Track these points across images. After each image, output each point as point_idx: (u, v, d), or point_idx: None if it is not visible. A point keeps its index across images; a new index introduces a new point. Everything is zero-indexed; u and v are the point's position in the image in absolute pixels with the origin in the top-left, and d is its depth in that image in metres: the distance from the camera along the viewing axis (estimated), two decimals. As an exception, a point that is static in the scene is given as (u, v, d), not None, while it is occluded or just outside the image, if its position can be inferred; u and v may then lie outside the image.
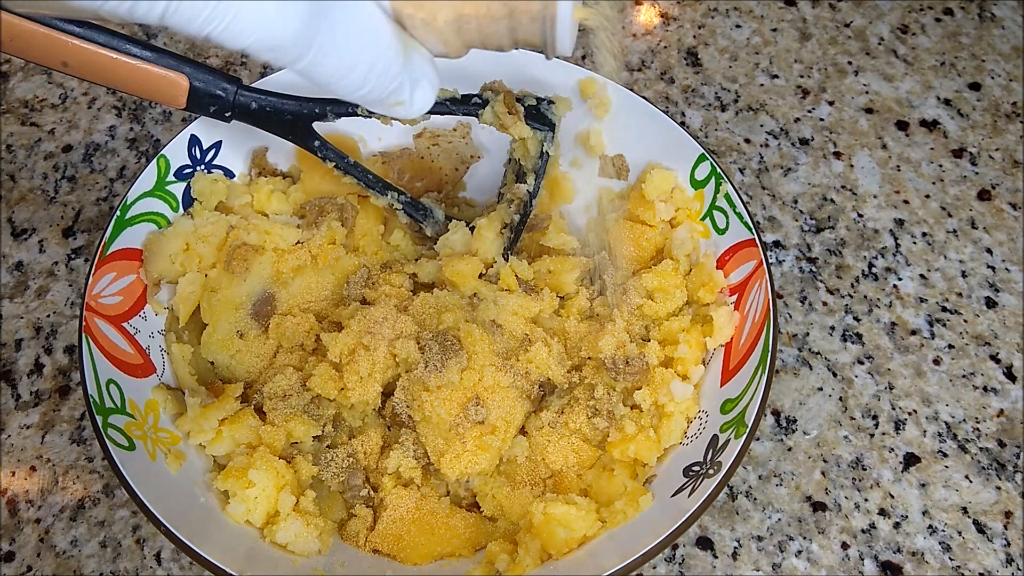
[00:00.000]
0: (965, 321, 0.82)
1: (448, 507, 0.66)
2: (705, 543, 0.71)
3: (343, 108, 0.68)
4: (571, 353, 0.70)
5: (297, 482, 0.65)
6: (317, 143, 0.70)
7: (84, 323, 0.63)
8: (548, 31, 0.39)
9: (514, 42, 0.41)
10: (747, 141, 0.93)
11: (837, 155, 0.93)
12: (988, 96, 0.97)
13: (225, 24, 0.30)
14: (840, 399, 0.78)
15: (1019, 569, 0.70)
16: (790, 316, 0.82)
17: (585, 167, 0.79)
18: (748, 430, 0.59)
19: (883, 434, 0.76)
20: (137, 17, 0.30)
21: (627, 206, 0.76)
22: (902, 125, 0.95)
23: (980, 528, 0.72)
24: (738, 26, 1.02)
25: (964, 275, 0.85)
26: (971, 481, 0.74)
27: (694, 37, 1.02)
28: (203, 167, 0.74)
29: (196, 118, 0.73)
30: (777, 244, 0.86)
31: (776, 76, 0.98)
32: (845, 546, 0.71)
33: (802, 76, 0.99)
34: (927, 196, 0.90)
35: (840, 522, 0.72)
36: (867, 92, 0.97)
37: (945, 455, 0.75)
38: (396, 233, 0.78)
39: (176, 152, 0.72)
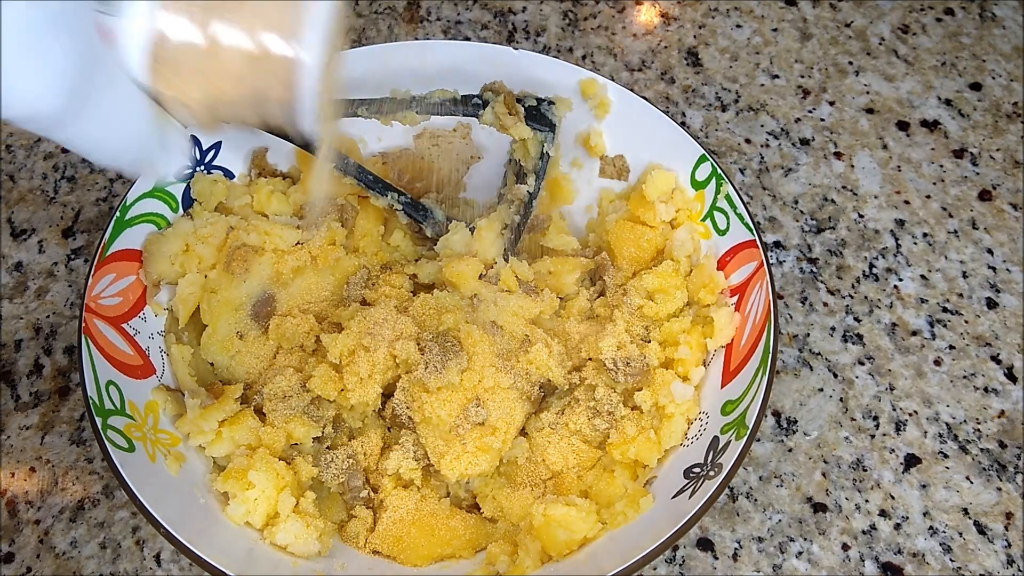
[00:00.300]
0: (966, 322, 0.82)
1: (448, 508, 0.66)
2: (706, 544, 0.71)
3: (343, 108, 0.68)
4: (571, 354, 0.70)
5: (297, 483, 0.64)
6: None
7: (84, 324, 0.63)
8: (293, 117, 0.43)
9: (264, 124, 0.44)
10: (748, 141, 0.93)
11: (838, 155, 0.93)
12: (989, 96, 0.97)
13: None
14: (841, 400, 0.78)
15: (1020, 570, 0.70)
16: (791, 317, 0.82)
17: (585, 168, 0.79)
18: (749, 431, 0.59)
19: (884, 435, 0.76)
20: None
21: (627, 207, 0.76)
22: (903, 125, 0.95)
23: (981, 529, 0.71)
24: (739, 26, 1.02)
25: (965, 276, 0.84)
26: (972, 482, 0.74)
27: (694, 37, 1.01)
28: (203, 167, 0.74)
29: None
30: (778, 245, 0.86)
31: (777, 76, 0.98)
32: (846, 547, 0.71)
33: (803, 76, 0.98)
34: (928, 196, 0.90)
35: (841, 523, 0.72)
36: (868, 92, 0.97)
37: (946, 456, 0.75)
38: (396, 234, 0.78)
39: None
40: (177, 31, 0.38)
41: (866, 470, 0.74)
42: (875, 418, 0.77)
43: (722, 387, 0.65)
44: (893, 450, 0.75)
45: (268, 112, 0.42)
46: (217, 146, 0.75)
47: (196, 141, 0.73)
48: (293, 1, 0.40)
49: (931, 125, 0.95)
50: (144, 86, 0.40)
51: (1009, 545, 0.71)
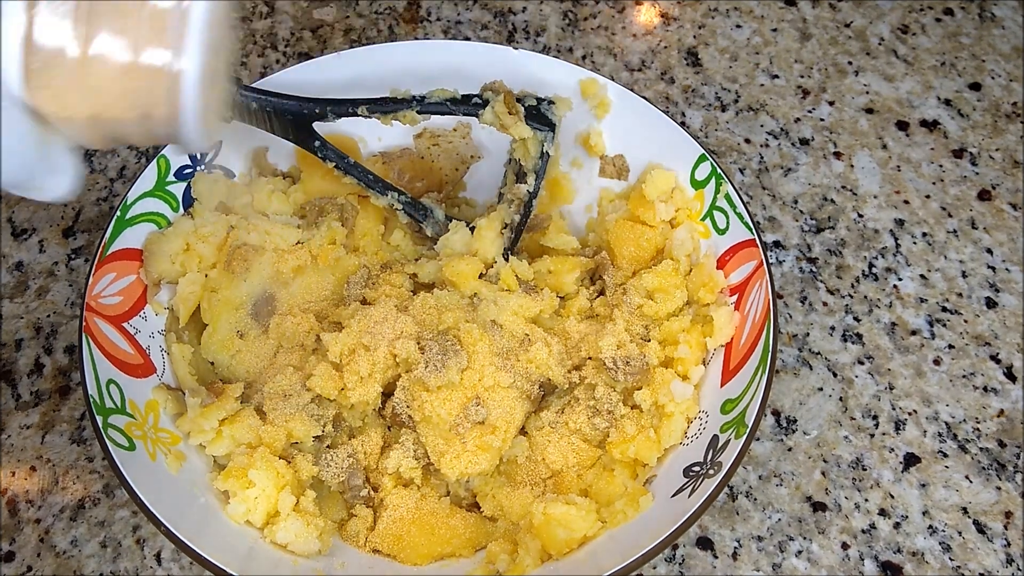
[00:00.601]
0: (965, 321, 0.82)
1: (448, 507, 0.66)
2: (705, 543, 0.71)
3: (343, 108, 0.68)
4: (571, 353, 0.70)
5: (297, 482, 0.65)
6: (317, 143, 0.70)
7: (84, 323, 0.63)
8: (179, 131, 0.42)
9: (151, 139, 0.43)
10: (747, 141, 0.93)
11: (837, 155, 0.93)
12: (988, 96, 0.97)
13: None
14: (840, 399, 0.78)
15: (1019, 569, 0.70)
16: (790, 316, 0.82)
17: (585, 167, 0.79)
18: (748, 430, 0.59)
19: (883, 434, 0.76)
20: None
21: (627, 206, 0.76)
22: (902, 125, 0.95)
23: (980, 528, 0.72)
24: (738, 26, 1.02)
25: (964, 275, 0.85)
26: (971, 481, 0.74)
27: (694, 37, 1.02)
28: (203, 167, 0.74)
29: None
30: (777, 244, 0.86)
31: (776, 76, 0.98)
32: (845, 546, 0.71)
33: (802, 76, 0.99)
34: (927, 196, 0.90)
35: (840, 522, 0.72)
36: (867, 92, 0.97)
37: (945, 455, 0.75)
38: (396, 233, 0.78)
39: (176, 152, 0.72)
40: (50, 37, 0.37)
41: (865, 469, 0.74)
42: (875, 417, 0.77)
43: (722, 386, 0.65)
44: (892, 449, 0.75)
45: (153, 127, 0.41)
46: (217, 146, 0.75)
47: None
48: (167, 10, 0.38)
49: (931, 125, 0.95)
50: (21, 101, 0.38)
51: (1008, 544, 0.71)
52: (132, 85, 0.39)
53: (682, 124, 0.76)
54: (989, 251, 0.86)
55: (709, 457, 0.61)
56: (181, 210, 0.73)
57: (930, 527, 0.72)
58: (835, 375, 0.79)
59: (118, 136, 0.42)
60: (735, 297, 0.68)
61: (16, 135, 0.39)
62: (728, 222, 0.70)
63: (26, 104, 0.39)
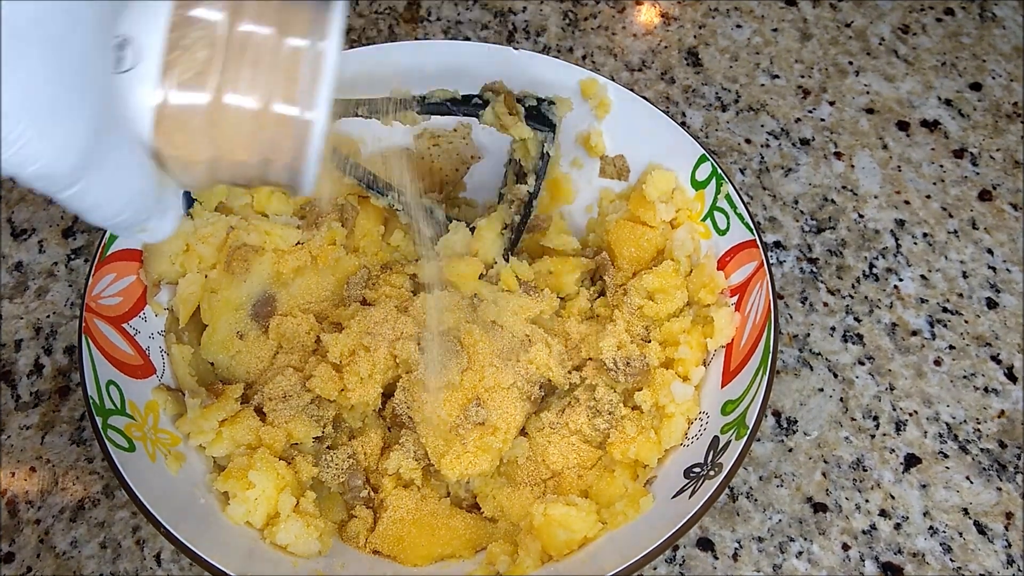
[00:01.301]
0: (966, 322, 0.82)
1: (448, 508, 0.66)
2: (706, 544, 0.71)
3: (343, 108, 0.68)
4: (572, 354, 0.70)
5: (297, 483, 0.64)
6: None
7: (84, 324, 0.63)
8: (296, 178, 0.41)
9: (262, 183, 0.43)
10: (748, 141, 0.93)
11: (838, 155, 0.93)
12: (989, 96, 0.97)
13: (14, 150, 0.32)
14: (841, 400, 0.78)
15: (1020, 570, 0.70)
16: (791, 317, 0.82)
17: (585, 168, 0.79)
18: (749, 431, 0.59)
19: (884, 435, 0.76)
20: None
21: (628, 207, 0.76)
22: (903, 125, 0.95)
23: (981, 529, 0.71)
24: (739, 26, 1.02)
25: (965, 276, 0.85)
26: (972, 482, 0.74)
27: (695, 37, 1.01)
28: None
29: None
30: (778, 245, 0.86)
31: (777, 76, 0.98)
32: (846, 547, 0.71)
33: (803, 76, 0.98)
34: (928, 196, 0.90)
35: (841, 523, 0.72)
36: (868, 92, 0.97)
37: (946, 456, 0.75)
38: (396, 234, 0.78)
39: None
40: (184, 95, 0.37)
41: (866, 470, 0.74)
42: (875, 418, 0.77)
43: (722, 387, 0.65)
44: (893, 450, 0.75)
45: (271, 172, 0.41)
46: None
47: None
48: (300, 56, 0.38)
49: (931, 125, 0.95)
50: (148, 145, 0.39)
51: (1009, 545, 0.71)
52: (260, 132, 0.39)
53: (682, 124, 0.76)
54: (990, 251, 0.86)
55: (710, 458, 0.61)
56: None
57: (931, 528, 0.72)
58: (836, 376, 0.79)
59: (229, 178, 0.42)
60: (736, 298, 0.68)
61: (144, 179, 0.39)
62: (729, 223, 0.70)
63: (151, 149, 0.39)
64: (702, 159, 0.72)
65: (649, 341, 0.69)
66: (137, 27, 0.36)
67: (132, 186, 0.38)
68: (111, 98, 0.36)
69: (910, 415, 0.77)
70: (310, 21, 0.39)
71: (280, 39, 0.38)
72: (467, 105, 0.69)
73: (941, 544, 0.71)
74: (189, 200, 0.73)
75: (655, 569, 0.70)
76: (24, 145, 0.32)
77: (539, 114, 0.69)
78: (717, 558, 0.70)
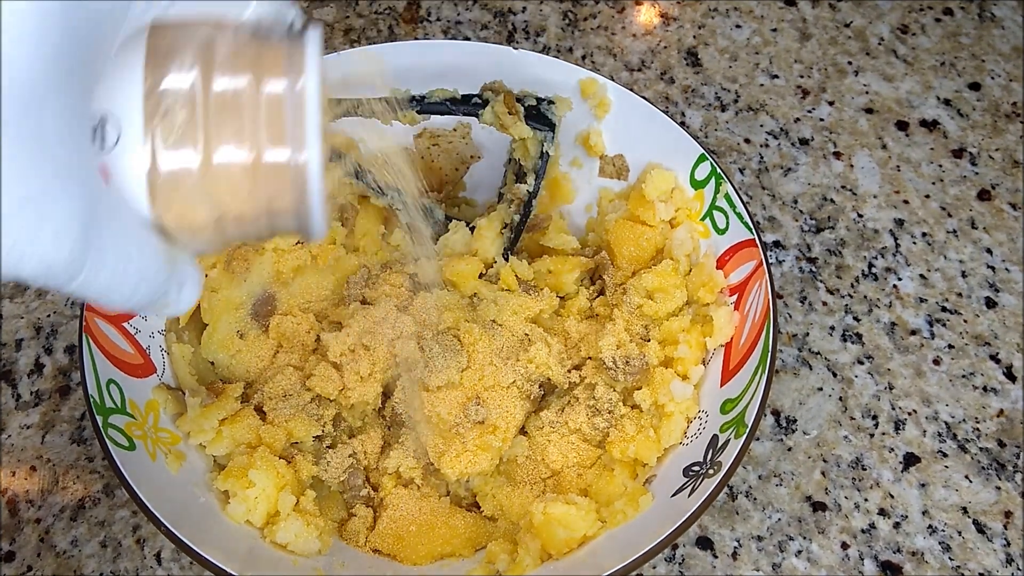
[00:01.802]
0: (965, 321, 0.82)
1: (448, 507, 0.66)
2: (705, 543, 0.71)
3: (343, 108, 0.68)
4: (571, 353, 0.70)
5: (297, 482, 0.65)
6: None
7: (84, 323, 0.63)
8: (305, 223, 0.40)
9: (273, 233, 0.42)
10: (747, 141, 0.93)
11: (837, 155, 0.93)
12: (988, 96, 0.97)
13: (6, 255, 0.31)
14: (840, 399, 0.78)
15: (1019, 569, 0.70)
16: (790, 316, 0.82)
17: (585, 167, 0.79)
18: (748, 430, 0.59)
19: (883, 434, 0.76)
20: None
21: (627, 206, 0.76)
22: (902, 125, 0.95)
23: (980, 528, 0.72)
24: (738, 26, 1.02)
25: (964, 275, 0.85)
26: (971, 481, 0.74)
27: (694, 37, 1.02)
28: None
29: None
30: (777, 244, 0.86)
31: (776, 76, 0.98)
32: (845, 546, 0.71)
33: (802, 76, 0.99)
34: (927, 196, 0.90)
35: (840, 522, 0.72)
36: (867, 92, 0.97)
37: (945, 455, 0.75)
38: (396, 233, 0.78)
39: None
40: (172, 158, 0.36)
41: (865, 469, 0.74)
42: (874, 417, 0.77)
43: (721, 386, 0.65)
44: (892, 449, 0.75)
45: (279, 222, 0.40)
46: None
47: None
48: (281, 98, 0.37)
49: (930, 125, 0.95)
50: (146, 218, 0.37)
51: (1008, 544, 0.71)
52: (257, 184, 0.38)
53: (682, 124, 0.76)
54: (989, 251, 0.86)
55: (709, 457, 0.61)
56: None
57: (930, 527, 0.72)
58: (835, 375, 0.79)
59: (239, 236, 0.41)
60: (735, 297, 0.68)
61: (149, 256, 0.37)
62: (728, 222, 0.70)
63: (151, 221, 0.38)
64: (701, 159, 0.72)
65: (648, 340, 0.69)
66: (111, 102, 0.35)
67: (138, 265, 0.37)
68: (98, 182, 0.35)
69: (909, 414, 0.77)
70: (285, 58, 0.37)
71: (258, 85, 0.37)
72: (467, 105, 0.69)
73: (940, 543, 0.71)
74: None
75: (654, 568, 0.70)
76: (13, 248, 0.31)
77: (539, 114, 0.69)
78: (716, 557, 0.70)
